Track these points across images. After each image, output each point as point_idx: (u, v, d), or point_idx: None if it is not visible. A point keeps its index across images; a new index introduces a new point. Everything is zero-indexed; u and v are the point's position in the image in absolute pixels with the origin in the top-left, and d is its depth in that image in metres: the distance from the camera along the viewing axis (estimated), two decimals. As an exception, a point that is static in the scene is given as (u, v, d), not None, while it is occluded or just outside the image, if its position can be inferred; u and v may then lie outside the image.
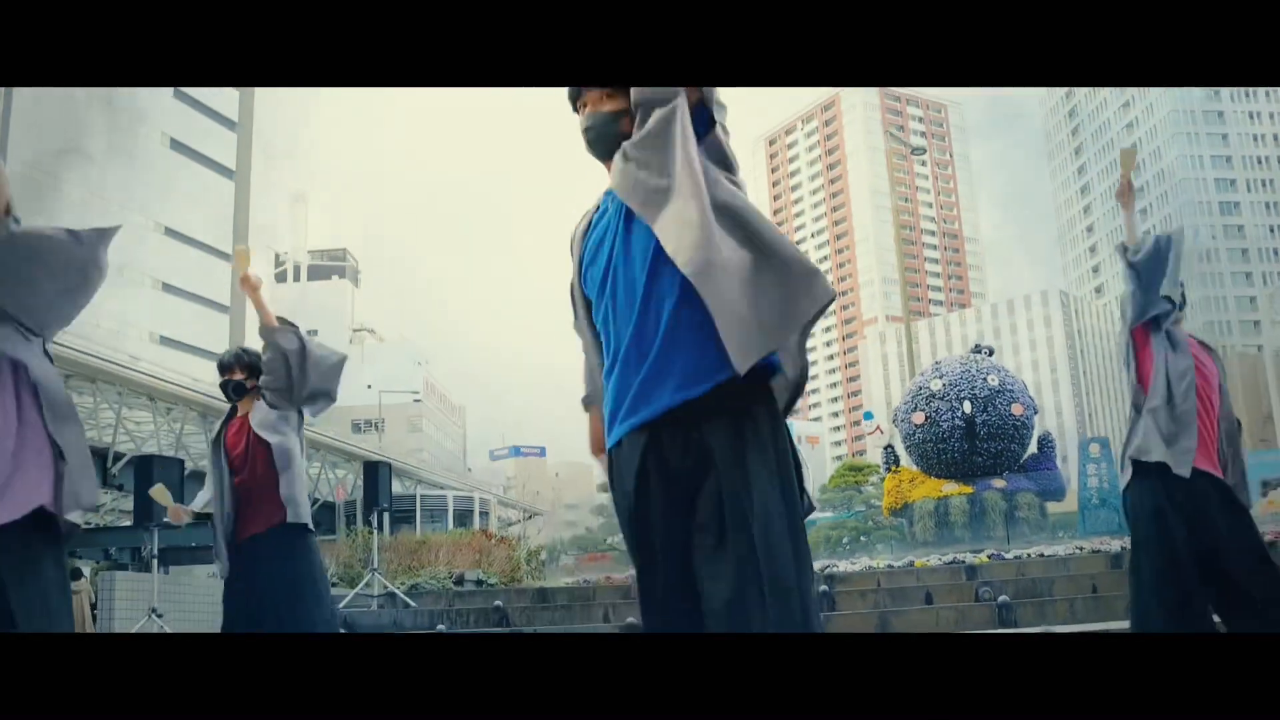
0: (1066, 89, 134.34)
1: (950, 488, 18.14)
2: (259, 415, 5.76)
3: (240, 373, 5.90)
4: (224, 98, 69.38)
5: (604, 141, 2.69)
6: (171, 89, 63.96)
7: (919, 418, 18.73)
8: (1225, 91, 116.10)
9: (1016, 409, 18.31)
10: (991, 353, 20.11)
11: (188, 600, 14.36)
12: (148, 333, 60.07)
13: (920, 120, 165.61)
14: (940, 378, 18.99)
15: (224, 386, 5.94)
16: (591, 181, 2.93)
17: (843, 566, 16.35)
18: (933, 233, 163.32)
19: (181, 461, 13.67)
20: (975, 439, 18.05)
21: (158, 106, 62.95)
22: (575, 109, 2.76)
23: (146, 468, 12.37)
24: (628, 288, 2.53)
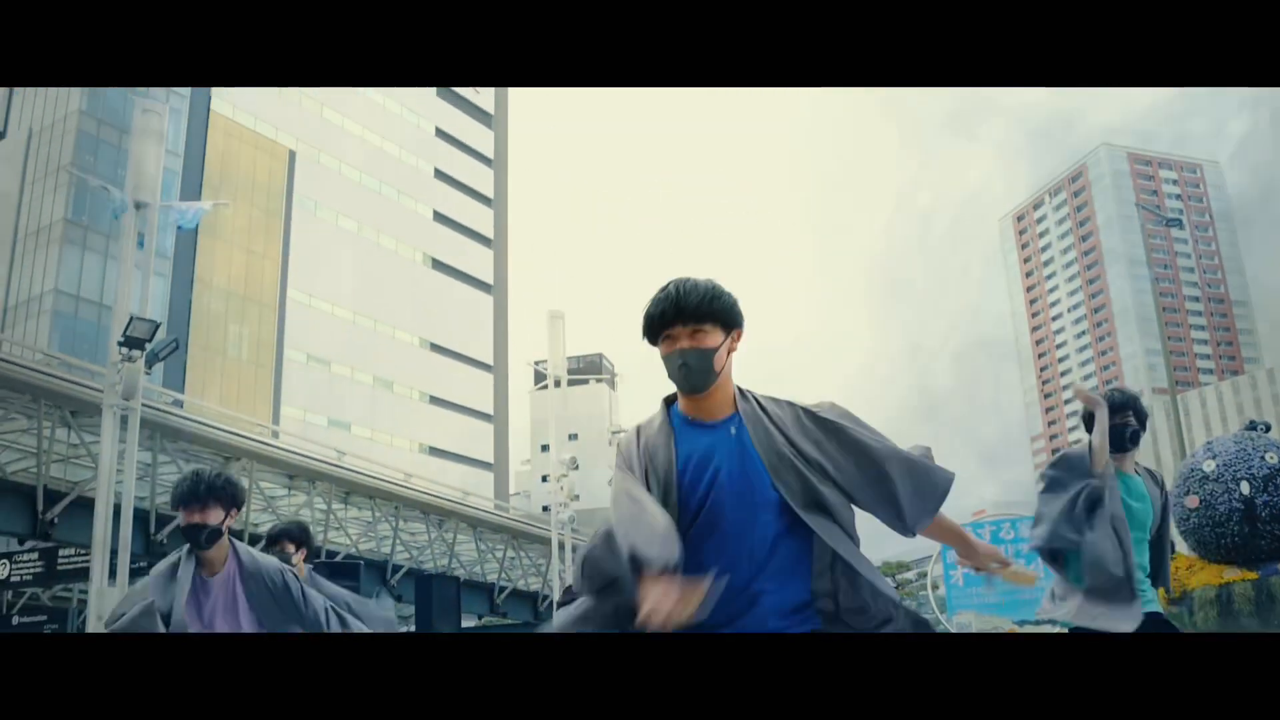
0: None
1: (1232, 573, 17.18)
2: None
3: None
4: (480, 216, 72.99)
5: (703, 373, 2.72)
6: (431, 211, 67.80)
7: (1192, 501, 17.87)
8: None
9: (1300, 487, 17.29)
10: (1269, 429, 19.07)
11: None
12: (417, 444, 63.05)
13: (1174, 183, 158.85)
14: (1213, 458, 18.07)
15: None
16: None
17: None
18: (1196, 299, 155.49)
19: (458, 580, 14.54)
20: (1257, 521, 17.06)
21: (417, 228, 66.75)
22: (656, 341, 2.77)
23: (426, 587, 13.44)
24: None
